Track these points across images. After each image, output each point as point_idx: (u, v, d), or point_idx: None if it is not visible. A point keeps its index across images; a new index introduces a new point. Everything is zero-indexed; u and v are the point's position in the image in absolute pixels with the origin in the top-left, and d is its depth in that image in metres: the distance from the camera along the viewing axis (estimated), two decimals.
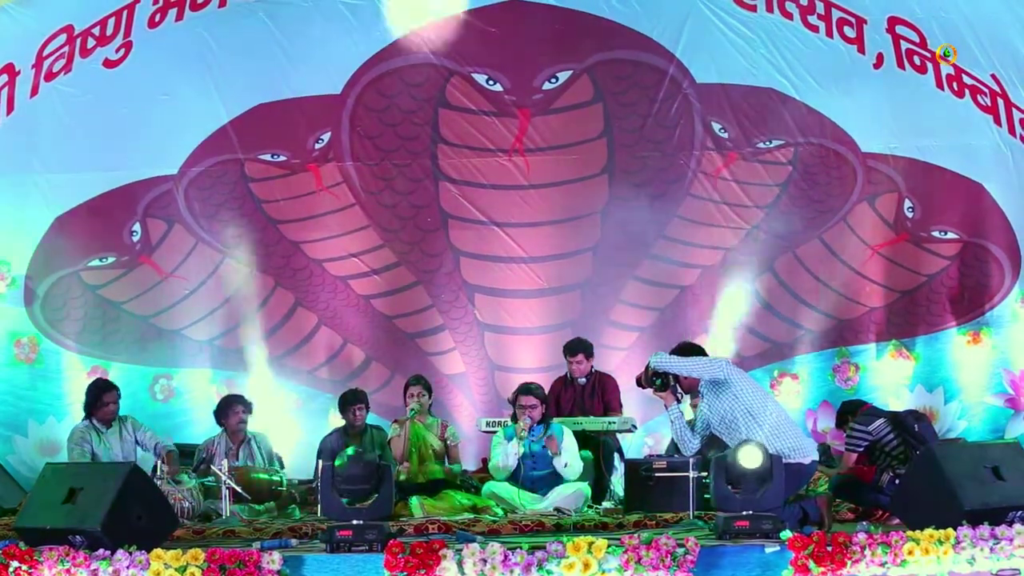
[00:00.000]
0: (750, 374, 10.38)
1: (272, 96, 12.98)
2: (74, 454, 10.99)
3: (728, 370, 9.11)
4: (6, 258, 12.94)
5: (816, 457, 9.13)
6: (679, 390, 9.31)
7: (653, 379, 9.29)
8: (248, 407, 11.53)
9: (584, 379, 11.95)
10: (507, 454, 10.72)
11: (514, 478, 10.67)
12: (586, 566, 7.40)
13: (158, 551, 7.59)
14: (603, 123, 13.10)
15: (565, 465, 10.71)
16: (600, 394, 11.93)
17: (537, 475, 10.74)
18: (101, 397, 11.27)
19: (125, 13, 12.75)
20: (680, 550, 7.47)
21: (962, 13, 12.70)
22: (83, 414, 11.33)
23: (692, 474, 9.64)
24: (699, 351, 9.46)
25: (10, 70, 12.78)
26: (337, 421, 12.65)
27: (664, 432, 12.77)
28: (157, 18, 12.78)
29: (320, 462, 10.49)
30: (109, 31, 12.77)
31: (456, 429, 11.61)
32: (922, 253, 13.07)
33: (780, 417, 9.05)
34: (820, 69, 12.84)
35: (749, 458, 8.37)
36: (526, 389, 10.96)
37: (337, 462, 8.69)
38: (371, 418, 11.78)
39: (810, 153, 13.01)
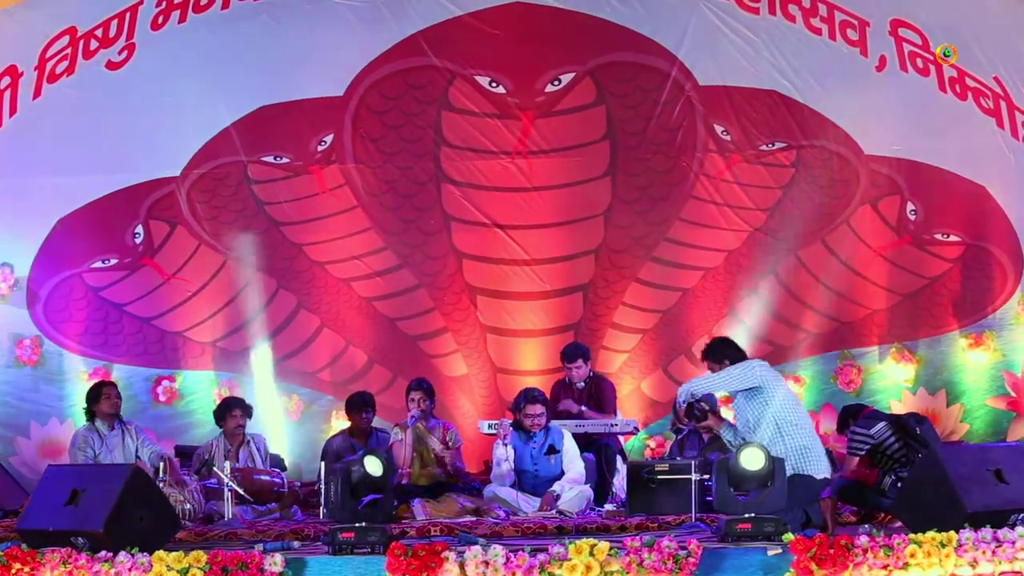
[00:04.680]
0: None
1: (275, 98, 12.98)
2: (77, 458, 11.01)
3: (763, 376, 9.07)
4: (9, 260, 12.96)
5: (828, 475, 9.12)
6: (718, 408, 9.31)
7: (694, 413, 9.29)
8: (246, 411, 11.55)
9: (583, 383, 11.95)
10: (500, 466, 10.80)
11: (517, 483, 10.72)
12: (588, 569, 7.41)
13: (160, 553, 7.59)
14: (606, 125, 13.10)
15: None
16: (597, 398, 11.92)
17: (539, 483, 10.78)
18: (101, 389, 11.33)
19: (128, 15, 12.77)
20: (682, 552, 7.47)
21: (965, 16, 12.70)
22: (85, 417, 11.34)
23: (694, 476, 9.64)
24: (733, 347, 9.41)
25: (13, 72, 12.81)
26: (340, 423, 12.68)
27: (666, 435, 12.79)
28: (160, 20, 12.79)
29: (324, 464, 10.51)
30: (112, 33, 12.77)
31: (457, 432, 11.61)
32: (924, 256, 13.06)
33: (804, 430, 9.04)
34: (823, 71, 12.83)
35: (751, 460, 8.38)
36: (532, 398, 10.98)
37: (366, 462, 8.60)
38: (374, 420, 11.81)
39: (812, 155, 13.00)
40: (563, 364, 12.03)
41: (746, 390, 9.10)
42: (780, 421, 8.96)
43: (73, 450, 11.17)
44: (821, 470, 9.00)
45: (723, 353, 9.34)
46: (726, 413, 10.06)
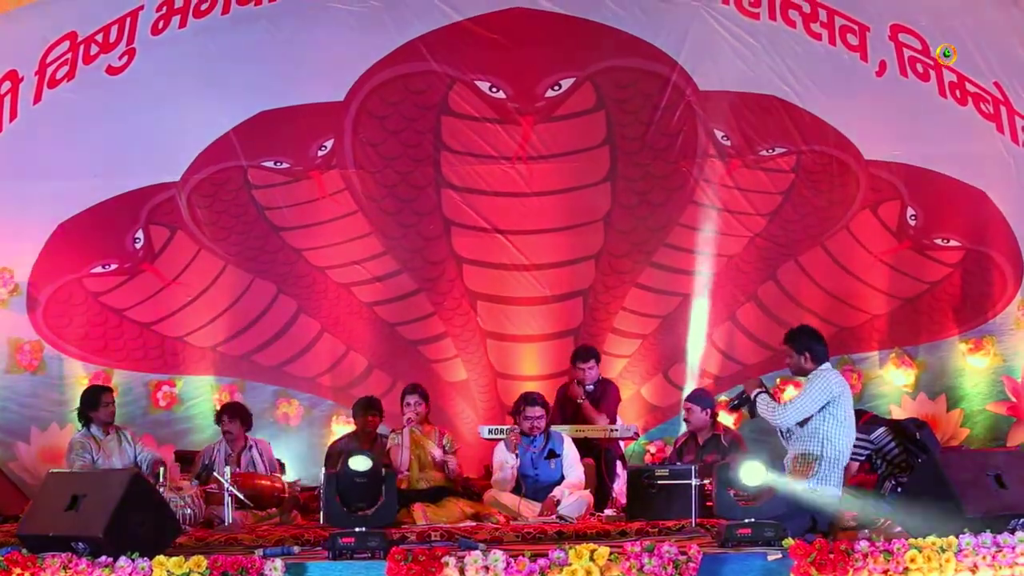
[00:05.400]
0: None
1: (275, 103, 12.97)
2: (75, 464, 10.97)
3: (835, 391, 9.06)
4: (9, 264, 12.94)
5: (840, 493, 9.11)
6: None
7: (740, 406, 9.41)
8: (241, 418, 11.48)
9: (592, 386, 11.94)
10: (504, 470, 10.80)
11: (517, 488, 10.74)
12: (588, 573, 7.41)
13: (160, 558, 7.60)
14: (606, 130, 13.10)
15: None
16: (602, 400, 11.91)
17: (540, 487, 10.78)
18: (100, 398, 11.30)
19: (128, 20, 12.76)
20: (682, 557, 7.48)
21: (964, 21, 12.71)
22: (79, 421, 11.31)
23: (694, 481, 9.64)
24: (818, 341, 9.31)
25: (13, 76, 12.79)
26: (340, 428, 12.68)
27: (666, 440, 12.79)
28: (160, 25, 12.79)
29: (325, 469, 10.51)
30: (112, 38, 12.77)
31: (454, 437, 11.60)
32: (924, 260, 13.06)
33: (843, 450, 9.06)
34: (823, 76, 12.83)
35: (751, 475, 8.39)
36: (531, 400, 11.00)
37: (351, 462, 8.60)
38: None
39: (813, 160, 13.00)
40: (575, 365, 12.01)
41: None
42: (826, 438, 8.98)
43: (70, 455, 11.12)
44: (837, 489, 9.01)
45: (806, 345, 9.26)
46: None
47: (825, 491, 8.92)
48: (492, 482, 11.02)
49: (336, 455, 11.37)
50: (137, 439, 11.40)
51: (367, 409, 11.68)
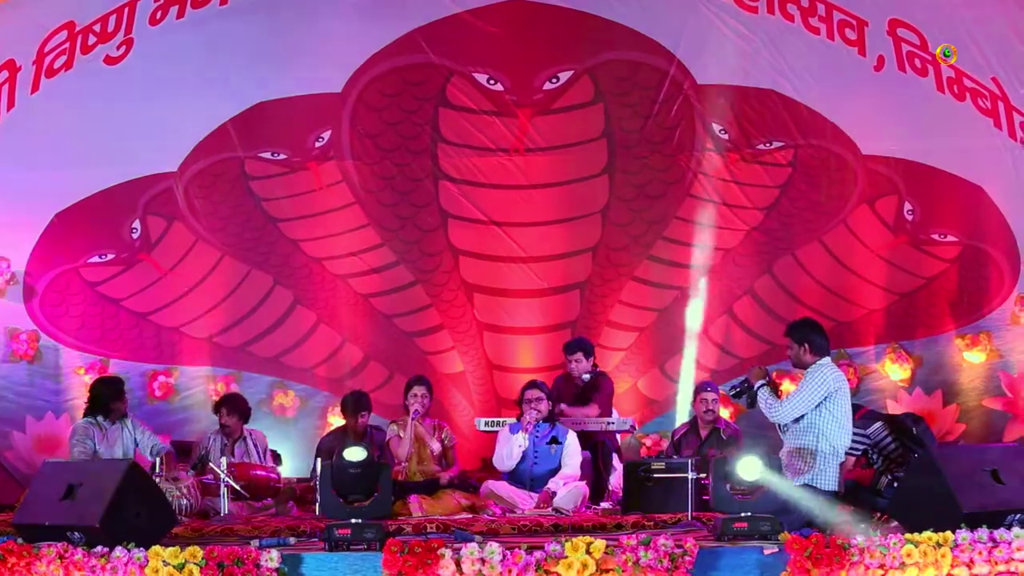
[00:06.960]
0: None
1: (272, 94, 12.95)
2: (75, 451, 10.95)
3: (832, 386, 9.03)
4: (6, 254, 12.93)
5: (836, 488, 9.09)
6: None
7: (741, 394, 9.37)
8: (238, 411, 11.46)
9: (588, 376, 11.91)
10: (511, 448, 10.79)
11: (516, 474, 10.74)
12: (584, 566, 7.41)
13: (157, 548, 7.60)
14: (603, 123, 13.10)
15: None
16: (596, 395, 11.87)
17: (538, 472, 10.79)
18: (122, 388, 11.27)
19: (127, 10, 12.73)
20: (678, 551, 7.49)
21: (963, 16, 12.69)
22: (84, 410, 11.25)
23: (690, 475, 9.64)
24: (819, 334, 9.25)
25: (11, 66, 12.77)
26: (336, 420, 12.67)
27: (662, 433, 12.80)
28: (158, 15, 12.76)
29: (319, 461, 10.51)
30: (110, 28, 12.75)
31: (451, 430, 11.59)
32: (921, 256, 13.06)
33: (838, 447, 9.05)
34: (821, 71, 12.82)
35: (747, 470, 8.39)
36: (532, 384, 11.09)
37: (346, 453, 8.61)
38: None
39: (810, 155, 12.99)
40: (565, 357, 12.04)
41: None
42: (821, 433, 8.97)
43: (73, 442, 11.08)
44: (832, 485, 9.00)
45: (806, 336, 9.22)
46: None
47: (821, 486, 8.93)
48: (494, 459, 10.99)
49: (326, 450, 11.37)
50: (138, 426, 11.33)
51: (357, 406, 11.57)
